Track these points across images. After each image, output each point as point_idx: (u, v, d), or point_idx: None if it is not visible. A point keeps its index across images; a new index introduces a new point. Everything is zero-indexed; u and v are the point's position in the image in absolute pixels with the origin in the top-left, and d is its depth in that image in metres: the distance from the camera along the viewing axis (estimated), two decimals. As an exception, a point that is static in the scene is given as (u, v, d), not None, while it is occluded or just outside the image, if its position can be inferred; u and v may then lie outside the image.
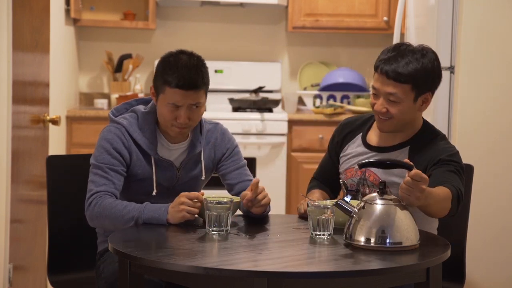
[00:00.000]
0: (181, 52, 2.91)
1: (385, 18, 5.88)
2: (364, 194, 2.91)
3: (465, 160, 3.38)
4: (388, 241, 2.49)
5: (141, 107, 3.03)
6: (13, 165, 3.75)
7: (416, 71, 2.78)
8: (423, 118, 2.99)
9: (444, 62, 4.00)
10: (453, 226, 3.13)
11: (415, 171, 2.51)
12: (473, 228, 3.48)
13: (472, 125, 3.91)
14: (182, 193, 2.77)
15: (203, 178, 3.05)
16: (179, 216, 2.75)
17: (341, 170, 3.05)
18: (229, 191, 3.09)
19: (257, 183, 2.79)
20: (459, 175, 2.80)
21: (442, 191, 2.67)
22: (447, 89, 4.02)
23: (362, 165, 2.64)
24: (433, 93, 2.89)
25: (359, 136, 3.03)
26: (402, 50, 2.83)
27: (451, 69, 4.00)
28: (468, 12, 3.88)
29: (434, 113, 4.03)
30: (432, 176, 2.76)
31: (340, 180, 2.75)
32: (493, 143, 3.91)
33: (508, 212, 3.92)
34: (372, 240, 2.50)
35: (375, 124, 3.01)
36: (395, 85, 2.80)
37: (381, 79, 2.83)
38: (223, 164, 3.07)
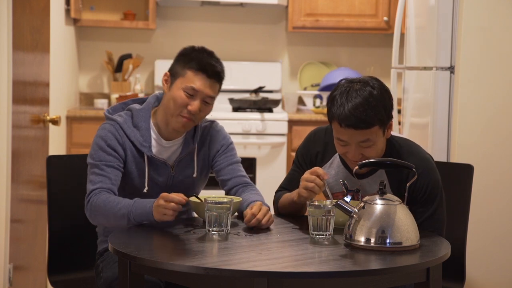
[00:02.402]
0: (202, 47, 2.97)
1: (385, 18, 5.88)
2: None
3: (465, 160, 3.39)
4: (388, 241, 2.49)
5: (136, 105, 3.02)
6: (13, 165, 3.75)
7: (378, 112, 2.70)
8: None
9: (444, 62, 4.01)
10: (453, 226, 3.13)
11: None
12: (473, 228, 3.48)
13: (472, 125, 3.91)
14: (162, 194, 2.74)
15: (194, 175, 3.04)
16: (160, 218, 2.73)
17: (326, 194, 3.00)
18: (223, 187, 3.10)
19: (259, 207, 2.78)
20: (440, 213, 2.81)
21: None
22: (447, 89, 4.02)
23: (362, 165, 2.64)
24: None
25: (337, 157, 2.93)
26: (351, 94, 2.71)
27: (451, 69, 4.00)
28: (468, 12, 3.88)
29: (434, 113, 4.03)
30: (419, 222, 2.74)
31: (340, 180, 2.74)
32: (493, 143, 3.91)
33: (508, 212, 3.92)
34: (372, 240, 2.50)
35: None
36: (365, 133, 2.71)
37: (347, 132, 2.71)
38: (217, 160, 3.07)
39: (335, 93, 2.76)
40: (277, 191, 3.09)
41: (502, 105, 3.90)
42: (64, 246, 3.20)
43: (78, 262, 3.21)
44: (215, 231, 2.66)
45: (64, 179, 3.21)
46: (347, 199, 2.57)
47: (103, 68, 6.11)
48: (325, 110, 5.65)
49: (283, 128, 5.56)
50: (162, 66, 6.01)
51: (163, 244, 2.62)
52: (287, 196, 2.96)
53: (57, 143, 5.10)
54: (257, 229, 2.75)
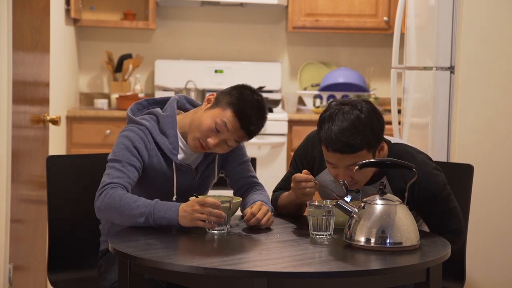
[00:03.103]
0: (258, 93, 2.94)
1: (385, 18, 5.88)
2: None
3: (465, 160, 3.39)
4: (388, 241, 2.49)
5: (159, 110, 2.97)
6: (13, 165, 3.75)
7: (365, 136, 2.68)
8: (385, 142, 2.85)
9: (444, 62, 4.01)
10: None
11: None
12: (473, 228, 3.48)
13: (472, 125, 3.91)
14: (196, 200, 2.69)
15: (215, 180, 3.04)
16: (190, 224, 2.67)
17: (322, 196, 2.98)
18: (231, 186, 3.08)
19: (259, 207, 2.77)
20: (454, 206, 2.80)
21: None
22: (447, 89, 4.02)
23: (362, 165, 2.63)
24: (384, 138, 2.80)
25: None
26: (338, 117, 2.69)
27: (451, 69, 4.00)
28: (468, 12, 3.88)
29: (434, 113, 4.03)
30: (431, 221, 2.76)
31: (341, 180, 2.74)
32: (493, 143, 3.91)
33: (508, 212, 3.92)
34: (372, 240, 2.50)
35: None
36: (352, 157, 2.69)
37: (335, 156, 2.71)
38: (227, 158, 3.04)
39: (324, 115, 2.74)
40: (274, 191, 3.09)
41: (502, 105, 3.90)
42: (64, 246, 3.20)
43: (78, 262, 3.20)
44: (215, 231, 2.66)
45: (64, 179, 3.21)
46: (347, 199, 2.57)
47: (103, 68, 6.11)
48: (325, 110, 5.65)
49: (283, 128, 5.56)
50: (162, 66, 6.01)
51: (163, 244, 2.62)
52: (287, 196, 2.95)
53: (57, 143, 5.10)
54: (257, 229, 2.75)
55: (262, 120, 2.93)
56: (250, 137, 2.92)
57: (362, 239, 2.51)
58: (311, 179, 2.78)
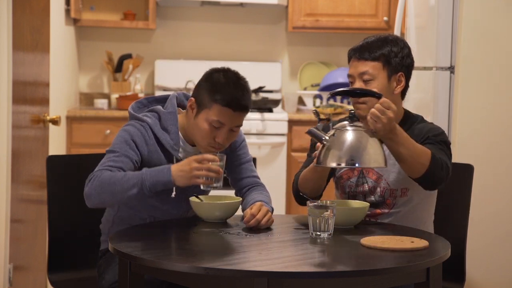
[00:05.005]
0: (228, 70, 2.90)
1: (385, 18, 5.88)
2: (364, 193, 2.91)
3: (465, 160, 3.39)
4: (357, 163, 2.63)
5: (160, 107, 2.97)
6: (13, 165, 3.75)
7: (386, 50, 2.89)
8: (403, 108, 2.99)
9: (444, 62, 4.01)
10: (453, 226, 3.13)
11: (384, 99, 2.66)
12: (473, 228, 3.48)
13: (472, 125, 3.91)
14: (193, 158, 2.73)
15: None
16: (188, 183, 2.72)
17: (336, 173, 3.01)
18: (233, 185, 3.07)
19: (259, 208, 2.77)
20: (445, 151, 2.87)
21: (419, 145, 2.77)
22: (447, 89, 4.02)
23: (333, 94, 2.79)
24: (406, 76, 2.93)
25: None
26: (372, 37, 2.96)
27: (451, 69, 4.00)
28: (468, 12, 3.88)
29: (434, 113, 4.03)
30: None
31: (313, 107, 2.79)
32: (493, 143, 3.91)
33: (508, 212, 3.92)
34: (343, 164, 2.64)
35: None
36: (366, 64, 2.89)
37: (354, 64, 2.94)
38: (230, 157, 3.02)
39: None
40: (296, 175, 3.07)
41: (502, 105, 3.91)
42: (64, 246, 3.20)
43: (78, 262, 3.21)
44: (210, 188, 2.73)
45: (64, 179, 3.21)
46: (319, 127, 2.70)
47: (103, 68, 6.11)
48: (325, 110, 5.65)
49: (283, 128, 5.56)
50: (162, 66, 6.01)
51: (163, 244, 2.62)
52: (307, 171, 2.95)
53: (57, 143, 5.10)
54: (257, 229, 2.75)
55: (247, 91, 2.88)
56: (248, 111, 2.89)
57: (333, 164, 2.65)
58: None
